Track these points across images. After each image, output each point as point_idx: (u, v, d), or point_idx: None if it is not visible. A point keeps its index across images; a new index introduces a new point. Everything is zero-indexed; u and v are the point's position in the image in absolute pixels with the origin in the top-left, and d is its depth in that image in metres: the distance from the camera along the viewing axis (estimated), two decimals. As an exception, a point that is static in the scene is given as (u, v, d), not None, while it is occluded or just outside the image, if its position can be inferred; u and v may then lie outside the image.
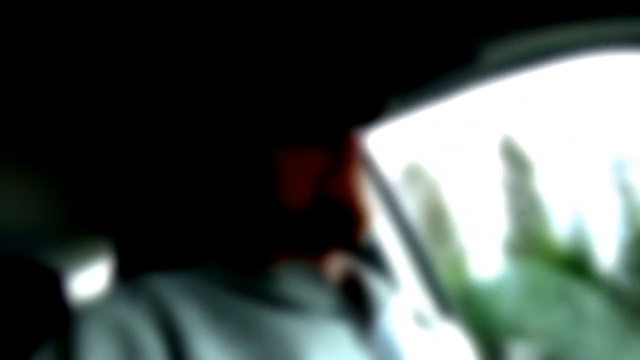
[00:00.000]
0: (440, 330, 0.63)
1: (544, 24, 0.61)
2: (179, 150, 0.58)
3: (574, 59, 0.66)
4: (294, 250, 0.52)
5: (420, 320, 0.61)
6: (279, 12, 0.54)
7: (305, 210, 0.50)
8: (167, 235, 0.58)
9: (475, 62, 0.65)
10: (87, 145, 0.81)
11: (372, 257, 0.93)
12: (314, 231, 0.51)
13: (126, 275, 0.57)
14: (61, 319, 0.46)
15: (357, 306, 0.54)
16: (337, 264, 0.55)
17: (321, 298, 0.51)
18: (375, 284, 0.57)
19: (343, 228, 0.51)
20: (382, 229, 0.95)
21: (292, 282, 0.50)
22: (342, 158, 0.51)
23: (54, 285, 0.80)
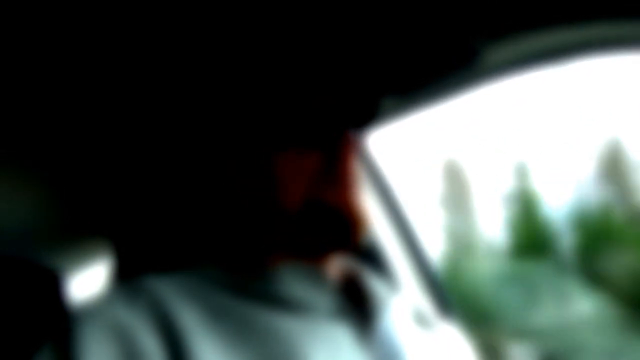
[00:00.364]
0: (440, 331, 0.63)
1: (544, 25, 0.61)
2: (178, 152, 0.57)
3: (574, 61, 0.66)
4: (293, 252, 0.52)
5: (420, 320, 0.61)
6: (278, 17, 0.54)
7: (299, 213, 0.50)
8: (165, 237, 0.58)
9: (476, 63, 0.65)
10: (86, 146, 0.81)
11: (372, 257, 0.93)
12: (310, 233, 0.51)
13: (125, 277, 0.56)
14: (60, 320, 0.45)
15: (357, 307, 0.54)
16: (336, 265, 0.55)
17: (321, 299, 0.51)
18: (375, 284, 0.57)
19: (338, 231, 0.50)
20: (381, 230, 0.95)
21: (292, 282, 0.50)
22: (337, 161, 0.50)
23: (53, 285, 0.80)
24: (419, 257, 0.97)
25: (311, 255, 0.52)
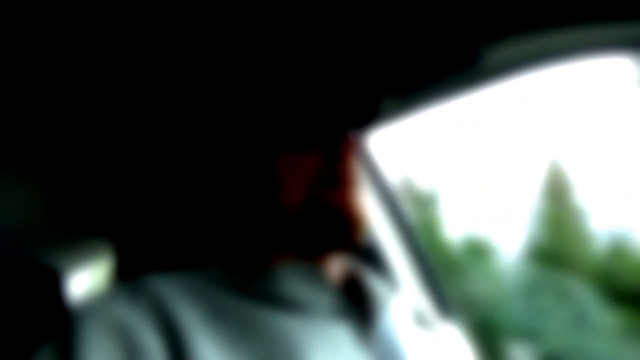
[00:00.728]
0: (440, 331, 0.63)
1: (545, 26, 0.61)
2: (179, 152, 0.57)
3: (575, 62, 0.66)
4: (293, 252, 0.52)
5: (421, 320, 0.61)
6: (279, 17, 0.54)
7: (299, 213, 0.50)
8: (166, 236, 0.58)
9: (477, 64, 0.65)
10: (87, 146, 0.81)
11: (372, 257, 0.93)
12: (310, 233, 0.51)
13: (126, 276, 0.56)
14: (60, 318, 0.45)
15: (358, 306, 0.54)
16: (336, 265, 0.55)
17: (321, 298, 0.51)
18: (375, 284, 0.57)
19: (338, 231, 0.51)
20: (382, 230, 0.95)
21: (292, 282, 0.50)
22: (338, 161, 0.51)
23: (53, 283, 0.80)
24: (419, 257, 0.97)
25: (311, 255, 0.52)
